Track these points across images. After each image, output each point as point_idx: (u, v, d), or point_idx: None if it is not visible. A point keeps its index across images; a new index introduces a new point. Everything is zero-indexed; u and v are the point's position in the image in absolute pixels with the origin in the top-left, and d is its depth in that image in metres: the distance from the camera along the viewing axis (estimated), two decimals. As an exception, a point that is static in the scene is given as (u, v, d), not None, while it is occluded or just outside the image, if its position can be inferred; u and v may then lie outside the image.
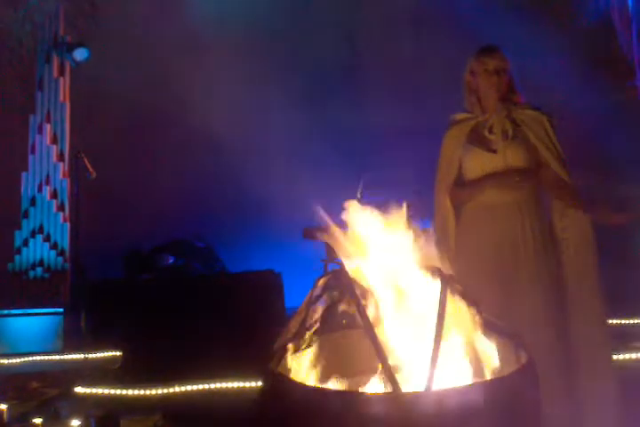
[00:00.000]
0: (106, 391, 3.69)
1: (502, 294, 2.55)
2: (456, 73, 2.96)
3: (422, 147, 3.48)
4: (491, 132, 2.74)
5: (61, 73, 5.92)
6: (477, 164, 2.72)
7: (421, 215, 5.54)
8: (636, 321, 4.82)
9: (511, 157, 2.67)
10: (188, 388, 3.69)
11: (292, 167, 6.18)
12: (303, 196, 6.21)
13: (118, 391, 3.68)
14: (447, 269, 2.67)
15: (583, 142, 5.50)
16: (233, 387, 3.68)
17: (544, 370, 2.29)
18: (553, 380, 2.42)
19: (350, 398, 1.39)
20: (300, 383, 1.49)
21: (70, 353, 4.74)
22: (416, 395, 1.34)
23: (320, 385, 1.50)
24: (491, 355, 1.55)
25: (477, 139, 2.75)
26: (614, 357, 3.65)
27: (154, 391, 3.66)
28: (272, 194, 6.38)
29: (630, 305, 4.77)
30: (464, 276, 2.59)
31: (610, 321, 4.58)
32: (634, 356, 3.77)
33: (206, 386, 3.70)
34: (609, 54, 6.24)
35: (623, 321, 4.79)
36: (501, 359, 1.55)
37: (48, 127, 5.78)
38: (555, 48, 5.99)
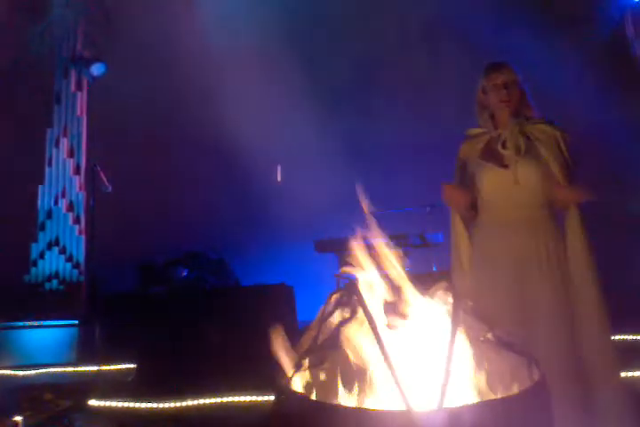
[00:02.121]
0: (119, 404, 3.70)
1: (516, 311, 2.55)
2: (469, 88, 2.99)
3: (437, 161, 3.50)
4: (504, 147, 2.75)
5: (79, 87, 6.01)
6: (490, 179, 2.72)
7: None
8: None
9: (523, 172, 2.68)
10: (201, 401, 3.70)
11: (305, 181, 6.21)
12: (316, 210, 6.25)
13: (131, 404, 3.69)
14: (460, 286, 2.70)
15: (599, 156, 5.50)
16: (245, 401, 3.68)
17: (559, 385, 2.30)
18: (567, 394, 2.42)
19: (362, 416, 1.39)
20: (312, 400, 1.49)
21: (84, 365, 4.77)
22: (428, 413, 1.35)
23: (332, 402, 1.50)
24: (503, 372, 1.55)
25: (490, 154, 2.76)
26: (630, 373, 3.65)
27: (167, 405, 3.67)
28: (285, 207, 6.42)
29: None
30: (477, 291, 2.62)
31: (625, 337, 4.59)
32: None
33: (219, 400, 3.71)
34: (624, 66, 6.23)
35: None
36: (514, 377, 1.55)
37: (65, 141, 5.86)
38: (570, 61, 5.99)
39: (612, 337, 2.68)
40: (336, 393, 1.59)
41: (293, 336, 1.79)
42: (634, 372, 3.71)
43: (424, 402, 1.41)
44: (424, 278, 1.77)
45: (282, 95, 6.38)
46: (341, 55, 6.46)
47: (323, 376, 1.67)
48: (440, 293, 1.68)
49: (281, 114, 6.43)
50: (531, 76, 2.84)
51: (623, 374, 3.14)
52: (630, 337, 4.68)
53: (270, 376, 1.70)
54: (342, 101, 6.41)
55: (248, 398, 3.69)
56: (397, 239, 6.02)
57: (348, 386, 1.61)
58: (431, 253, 5.87)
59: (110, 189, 5.38)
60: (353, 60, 6.63)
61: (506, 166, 2.70)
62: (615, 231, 5.42)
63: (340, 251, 6.00)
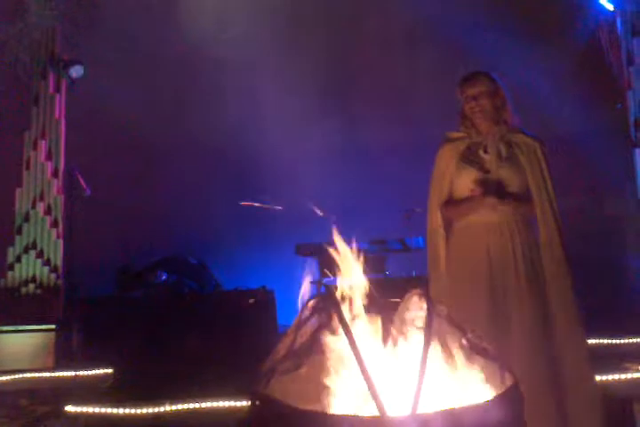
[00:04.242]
0: (96, 410, 3.67)
1: (492, 312, 2.58)
2: (451, 91, 3.02)
3: (417, 165, 3.52)
4: (485, 151, 2.78)
5: (57, 89, 5.96)
6: (470, 183, 2.75)
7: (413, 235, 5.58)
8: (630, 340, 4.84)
9: (504, 177, 2.72)
10: (179, 407, 3.68)
11: (285, 185, 6.22)
12: (296, 213, 6.27)
13: (109, 410, 3.66)
14: (436, 288, 2.72)
15: (574, 165, 5.57)
16: (224, 406, 3.67)
17: (533, 391, 2.32)
18: (542, 400, 2.45)
19: (337, 421, 1.40)
20: (287, 405, 1.50)
21: (61, 370, 4.72)
22: (401, 418, 1.36)
23: (307, 408, 1.50)
24: (476, 378, 1.57)
25: (471, 158, 2.79)
26: (605, 377, 3.69)
27: (144, 410, 3.64)
28: (265, 211, 6.41)
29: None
30: (453, 293, 2.64)
31: (604, 341, 4.66)
32: (624, 376, 3.78)
33: (197, 405, 3.69)
34: (600, 75, 6.32)
35: (616, 341, 4.81)
36: (486, 382, 1.57)
37: (43, 143, 5.80)
38: (546, 69, 6.07)
39: (588, 341, 2.72)
40: (311, 399, 1.60)
41: (274, 340, 1.79)
42: (608, 376, 3.76)
43: (398, 408, 1.42)
44: (403, 283, 1.78)
45: (266, 96, 6.38)
46: (323, 56, 6.47)
47: (299, 382, 1.67)
48: (415, 298, 1.69)
49: (264, 116, 6.42)
50: (508, 84, 2.88)
51: (598, 378, 3.19)
52: (606, 341, 4.74)
53: (248, 382, 1.70)
54: (326, 104, 6.43)
55: (226, 404, 3.68)
56: (377, 244, 6.05)
57: (324, 392, 1.61)
58: (411, 258, 5.90)
59: (89, 192, 5.34)
60: (335, 62, 6.65)
61: (487, 171, 2.74)
62: (589, 236, 5.49)
63: (319, 255, 6.01)
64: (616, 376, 3.77)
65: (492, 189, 2.68)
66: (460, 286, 2.69)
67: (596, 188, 5.97)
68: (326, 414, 1.46)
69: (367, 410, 1.46)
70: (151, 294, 5.69)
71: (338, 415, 1.45)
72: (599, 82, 6.25)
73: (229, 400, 3.68)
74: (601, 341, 4.69)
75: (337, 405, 1.53)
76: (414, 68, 6.58)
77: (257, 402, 1.61)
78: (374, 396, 1.39)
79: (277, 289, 5.39)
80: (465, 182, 2.76)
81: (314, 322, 1.69)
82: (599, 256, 5.51)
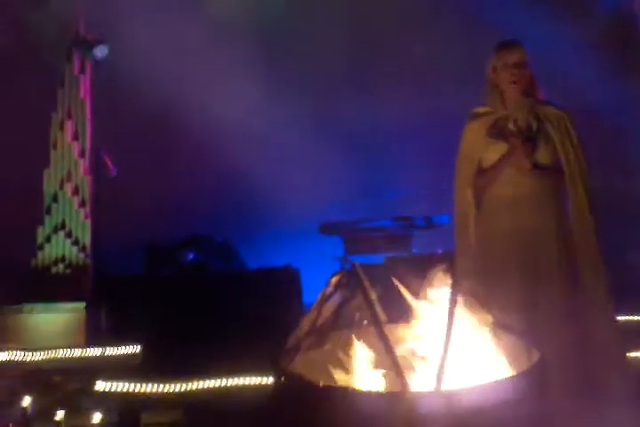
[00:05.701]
0: (125, 387, 3.73)
1: (523, 285, 2.55)
2: (469, 68, 2.96)
3: (439, 144, 3.48)
4: (515, 126, 2.73)
5: (82, 70, 5.96)
6: (499, 157, 2.71)
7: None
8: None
9: (534, 151, 2.67)
10: (208, 384, 3.72)
11: (309, 164, 6.19)
12: (320, 192, 6.24)
13: (138, 387, 3.72)
14: (463, 267, 2.69)
15: (605, 138, 5.45)
16: (251, 383, 3.70)
17: (563, 364, 2.30)
18: (572, 374, 2.42)
19: (359, 397, 1.40)
20: (311, 382, 1.50)
21: (92, 348, 4.80)
22: (425, 394, 1.35)
23: (330, 384, 1.50)
24: (502, 354, 1.55)
25: (500, 133, 2.74)
26: (636, 354, 3.64)
27: (173, 387, 3.69)
28: (289, 189, 6.40)
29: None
30: (485, 270, 2.61)
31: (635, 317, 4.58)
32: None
33: (225, 382, 3.72)
34: (630, 48, 6.15)
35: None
36: (512, 358, 1.55)
37: (69, 124, 5.82)
38: (574, 42, 5.91)
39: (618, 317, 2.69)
40: (336, 374, 1.60)
41: (299, 318, 1.79)
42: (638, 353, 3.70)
43: (422, 384, 1.41)
44: (428, 260, 1.76)
45: (281, 80, 6.33)
46: (340, 38, 6.38)
47: (323, 357, 1.67)
48: (440, 275, 1.68)
49: (279, 100, 6.37)
50: (535, 56, 2.81)
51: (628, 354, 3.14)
52: (637, 318, 4.67)
53: (274, 358, 1.71)
54: (342, 86, 6.36)
55: (254, 381, 3.71)
56: (403, 221, 6.01)
57: (348, 367, 1.61)
58: (437, 235, 5.85)
59: (115, 172, 5.37)
60: (352, 44, 6.56)
61: (517, 145, 2.69)
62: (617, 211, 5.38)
63: (344, 233, 6.00)
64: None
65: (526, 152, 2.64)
66: (489, 261, 2.66)
67: (626, 163, 5.84)
68: (350, 389, 1.46)
69: (391, 385, 1.45)
70: (179, 273, 5.74)
71: (361, 391, 1.45)
72: (630, 52, 6.08)
73: (257, 377, 3.70)
74: (632, 317, 4.62)
75: (361, 380, 1.53)
76: (435, 42, 6.44)
77: (282, 378, 1.61)
78: (398, 371, 1.39)
79: (302, 268, 5.39)
80: (494, 158, 2.72)
81: (337, 298, 1.69)
82: (626, 232, 5.41)
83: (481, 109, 2.87)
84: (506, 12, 5.77)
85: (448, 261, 1.78)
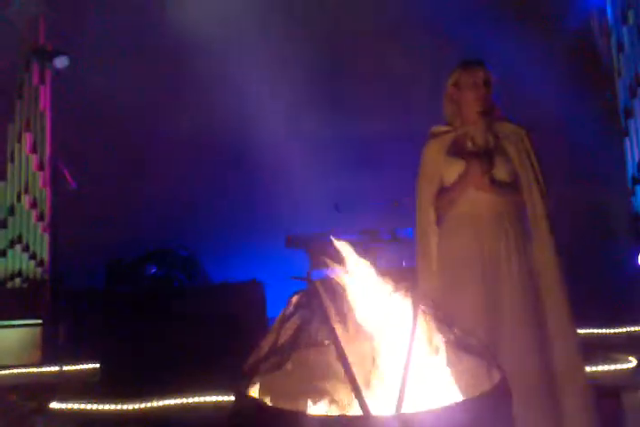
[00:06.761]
0: (82, 406, 3.63)
1: (485, 304, 2.55)
2: (435, 80, 2.97)
3: (404, 157, 3.47)
4: (473, 143, 2.75)
5: (42, 81, 5.87)
6: (457, 177, 2.72)
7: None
8: (616, 330, 4.84)
9: (491, 168, 2.68)
10: (167, 402, 3.64)
11: (275, 177, 6.16)
12: (286, 205, 6.20)
13: (95, 406, 3.62)
14: (426, 284, 2.68)
15: (563, 152, 5.54)
16: (211, 402, 3.63)
17: (526, 382, 2.30)
18: (534, 392, 2.42)
19: (319, 421, 1.36)
20: (268, 405, 1.46)
21: (48, 366, 4.68)
22: (385, 418, 1.32)
23: (289, 407, 1.47)
24: (463, 375, 1.53)
25: (459, 151, 2.76)
26: (595, 368, 3.68)
27: (131, 406, 3.61)
28: (255, 203, 6.36)
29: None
30: (444, 290, 2.61)
31: (591, 331, 4.65)
32: (612, 367, 3.77)
33: (184, 400, 3.65)
34: (590, 65, 6.27)
35: (604, 331, 4.81)
36: (473, 379, 1.53)
37: (28, 136, 5.72)
38: (535, 59, 6.01)
39: (578, 331, 2.70)
40: (295, 397, 1.56)
41: (263, 334, 1.75)
42: (597, 367, 3.74)
43: (382, 407, 1.38)
44: (392, 274, 1.74)
45: (254, 84, 6.29)
46: (313, 45, 6.39)
47: (282, 379, 1.63)
48: (402, 292, 1.65)
49: (252, 110, 6.34)
50: (497, 73, 2.84)
51: (587, 369, 3.17)
52: (596, 331, 4.74)
53: (233, 378, 1.66)
54: (314, 95, 6.36)
55: (214, 399, 3.64)
56: (367, 234, 6.01)
57: (308, 390, 1.57)
58: (401, 249, 5.86)
59: (74, 186, 5.27)
60: (325, 51, 6.57)
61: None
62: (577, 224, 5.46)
63: (310, 247, 5.96)
64: (605, 367, 3.76)
65: (487, 165, 2.65)
66: (452, 279, 2.66)
67: (585, 176, 5.94)
68: (308, 414, 1.42)
69: (351, 409, 1.42)
70: (140, 288, 5.63)
71: (320, 415, 1.41)
72: (589, 69, 6.21)
73: (216, 396, 3.64)
74: (591, 331, 4.68)
75: (320, 403, 1.49)
76: (404, 56, 6.50)
77: (238, 401, 1.57)
78: (358, 395, 1.35)
79: (267, 282, 5.34)
80: (455, 176, 2.72)
81: (297, 318, 1.65)
82: (587, 244, 5.49)
83: (440, 128, 2.88)
84: (470, 28, 5.85)
85: (410, 278, 1.77)
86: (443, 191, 2.77)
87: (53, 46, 5.81)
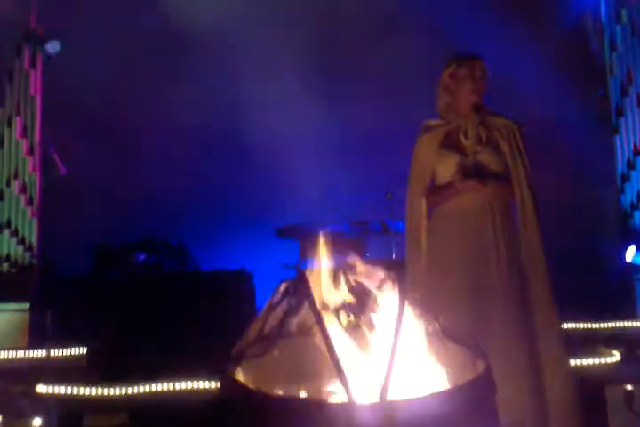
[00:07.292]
0: (69, 390, 3.64)
1: (474, 298, 2.58)
2: (427, 75, 2.98)
3: (397, 148, 3.49)
4: (465, 137, 2.77)
5: (33, 65, 5.82)
6: (451, 168, 2.74)
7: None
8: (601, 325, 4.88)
9: (485, 161, 2.71)
10: (154, 388, 3.65)
11: (266, 167, 6.16)
12: (278, 195, 6.21)
13: (82, 390, 3.62)
14: (416, 273, 2.71)
15: (553, 151, 5.56)
16: (199, 387, 3.64)
17: (512, 375, 2.33)
18: (519, 384, 2.45)
19: (303, 407, 1.38)
20: (254, 390, 1.47)
21: (35, 350, 4.67)
22: (369, 405, 1.34)
23: (274, 393, 1.48)
24: (447, 364, 1.55)
25: (451, 144, 2.78)
26: (579, 361, 3.72)
27: (118, 391, 3.61)
28: (246, 193, 6.36)
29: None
30: (435, 279, 2.63)
31: (579, 325, 4.70)
32: (597, 361, 3.81)
33: (172, 386, 3.66)
34: (582, 63, 6.29)
35: (590, 325, 4.85)
36: (458, 368, 1.55)
37: (18, 120, 5.68)
38: (528, 56, 6.03)
39: (563, 325, 2.74)
40: (280, 383, 1.58)
41: (249, 323, 1.76)
42: (582, 360, 3.78)
43: (367, 395, 1.40)
44: (381, 265, 1.76)
45: (247, 72, 6.27)
46: (307, 35, 6.37)
47: (267, 366, 1.65)
48: (388, 283, 1.67)
49: (249, 94, 6.31)
50: (491, 69, 2.86)
51: (572, 362, 3.22)
52: (581, 325, 4.78)
53: (220, 365, 1.68)
54: (306, 85, 6.35)
55: (201, 385, 3.65)
56: (358, 226, 6.03)
57: (293, 376, 1.59)
58: (391, 241, 5.88)
59: (64, 171, 5.25)
60: (320, 45, 6.55)
61: (467, 156, 2.73)
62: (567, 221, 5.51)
63: (300, 238, 5.98)
64: (590, 360, 3.80)
65: (472, 172, 2.67)
66: (440, 273, 2.69)
67: (575, 173, 5.98)
68: (292, 398, 1.44)
69: (336, 396, 1.44)
70: (128, 275, 5.63)
71: (304, 400, 1.43)
72: (582, 67, 6.23)
73: (204, 380, 3.65)
74: (576, 325, 4.72)
75: (305, 390, 1.51)
76: (395, 52, 6.49)
77: (224, 386, 1.58)
78: (343, 382, 1.37)
79: (256, 272, 5.35)
80: (447, 169, 2.75)
81: (284, 306, 1.66)
82: (576, 240, 5.54)
83: (432, 122, 2.90)
84: (462, 26, 5.86)
85: (398, 269, 1.78)
86: (434, 187, 2.80)
87: (45, 31, 5.77)
